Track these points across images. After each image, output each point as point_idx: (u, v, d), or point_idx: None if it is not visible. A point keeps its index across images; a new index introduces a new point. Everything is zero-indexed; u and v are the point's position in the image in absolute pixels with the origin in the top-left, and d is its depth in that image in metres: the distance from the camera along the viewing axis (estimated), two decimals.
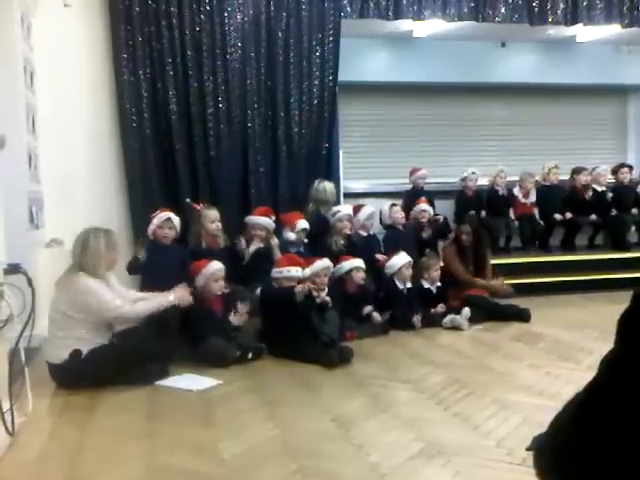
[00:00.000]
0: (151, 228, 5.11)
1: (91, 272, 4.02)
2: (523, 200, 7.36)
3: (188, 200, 5.77)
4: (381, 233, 6.48)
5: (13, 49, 4.80)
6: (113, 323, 4.17)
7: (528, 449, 2.70)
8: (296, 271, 4.93)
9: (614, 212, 7.40)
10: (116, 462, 2.87)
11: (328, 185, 6.30)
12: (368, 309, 5.41)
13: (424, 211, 6.55)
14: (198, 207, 5.45)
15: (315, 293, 5.01)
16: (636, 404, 0.87)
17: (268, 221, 5.65)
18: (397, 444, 2.97)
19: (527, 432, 2.78)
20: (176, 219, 5.16)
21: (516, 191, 7.37)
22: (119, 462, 2.87)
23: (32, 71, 5.19)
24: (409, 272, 5.71)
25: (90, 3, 6.03)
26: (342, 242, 5.82)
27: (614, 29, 7.42)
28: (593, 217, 7.38)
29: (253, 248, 5.53)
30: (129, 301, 4.16)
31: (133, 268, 4.99)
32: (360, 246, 5.82)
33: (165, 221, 5.10)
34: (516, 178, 7.47)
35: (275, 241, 5.61)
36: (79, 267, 4.03)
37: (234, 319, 4.78)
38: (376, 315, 5.37)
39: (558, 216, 7.30)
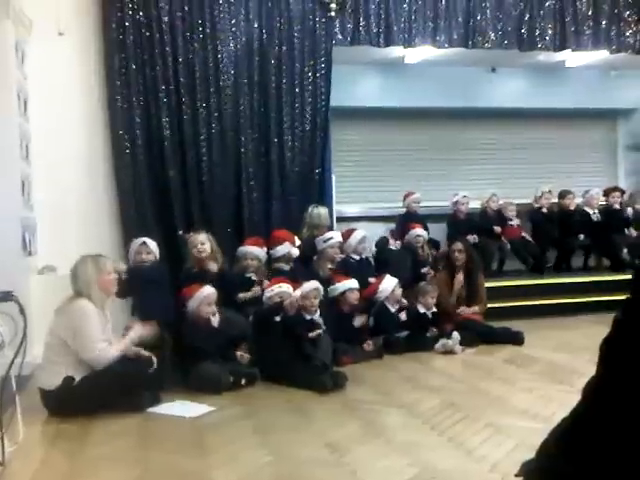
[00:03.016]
0: (130, 256, 5.10)
1: (88, 298, 4.03)
2: (510, 223, 7.42)
3: (180, 232, 5.86)
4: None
5: (7, 76, 4.85)
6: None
7: (517, 475, 2.67)
8: (287, 287, 4.96)
9: (604, 234, 7.43)
10: None
11: (322, 210, 6.33)
12: (360, 320, 5.42)
13: (419, 236, 6.58)
14: (188, 235, 5.47)
15: (308, 316, 5.02)
16: (620, 428, 0.88)
17: (260, 250, 5.66)
18: (391, 469, 2.95)
19: (521, 456, 2.75)
20: (152, 243, 5.09)
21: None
22: None
23: (26, 98, 5.23)
24: (399, 291, 5.74)
25: (84, 31, 6.08)
26: (330, 267, 5.84)
27: (602, 54, 7.53)
28: (581, 237, 7.49)
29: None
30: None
31: (121, 289, 4.94)
32: (352, 270, 5.82)
33: (141, 246, 5.05)
34: (508, 201, 7.53)
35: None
36: (77, 294, 4.07)
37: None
38: (367, 345, 5.34)
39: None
